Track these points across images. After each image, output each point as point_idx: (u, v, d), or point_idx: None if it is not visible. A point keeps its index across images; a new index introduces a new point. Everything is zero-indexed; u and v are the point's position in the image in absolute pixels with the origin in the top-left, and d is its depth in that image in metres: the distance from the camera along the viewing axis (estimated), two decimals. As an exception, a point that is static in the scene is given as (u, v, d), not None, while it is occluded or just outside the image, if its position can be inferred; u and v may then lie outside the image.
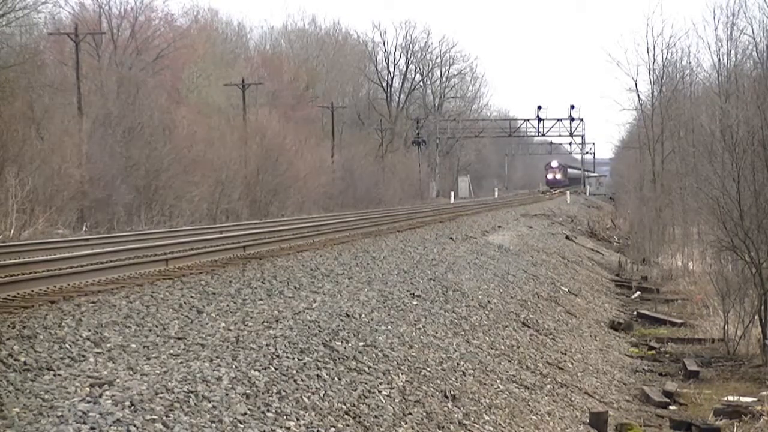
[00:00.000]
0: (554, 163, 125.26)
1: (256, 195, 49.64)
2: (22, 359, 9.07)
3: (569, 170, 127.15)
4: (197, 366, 9.27)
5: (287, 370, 9.88)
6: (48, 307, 11.91)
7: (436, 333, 14.50)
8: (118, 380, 8.54)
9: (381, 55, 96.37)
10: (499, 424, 11.67)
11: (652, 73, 44.89)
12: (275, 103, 67.67)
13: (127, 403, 7.79)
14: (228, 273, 16.62)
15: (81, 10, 56.82)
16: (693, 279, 31.20)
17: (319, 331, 11.91)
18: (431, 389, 11.50)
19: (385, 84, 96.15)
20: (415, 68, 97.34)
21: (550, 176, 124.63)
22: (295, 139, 58.25)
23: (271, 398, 8.95)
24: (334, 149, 69.13)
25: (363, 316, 13.71)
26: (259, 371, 9.52)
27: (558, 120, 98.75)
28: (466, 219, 41.76)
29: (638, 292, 30.73)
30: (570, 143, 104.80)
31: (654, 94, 45.43)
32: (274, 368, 9.80)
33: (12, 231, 28.66)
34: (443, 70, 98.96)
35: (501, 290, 20.86)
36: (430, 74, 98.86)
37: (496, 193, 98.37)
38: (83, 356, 9.47)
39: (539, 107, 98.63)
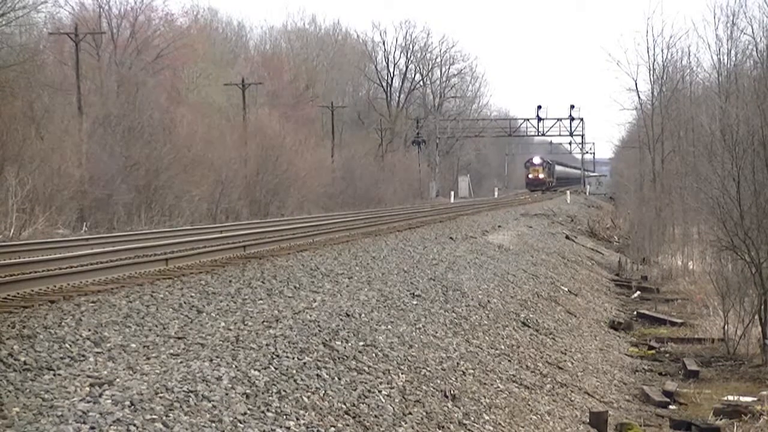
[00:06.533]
0: (536, 160, 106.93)
1: (256, 195, 49.63)
2: (22, 359, 9.06)
3: (557, 167, 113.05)
4: (197, 366, 9.27)
5: (287, 369, 9.88)
6: (48, 307, 11.90)
7: (436, 333, 14.50)
8: (118, 380, 8.54)
9: (381, 54, 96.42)
10: (499, 424, 11.67)
11: (652, 72, 44.95)
12: (275, 103, 67.67)
13: (127, 403, 7.79)
14: (228, 273, 16.62)
15: (81, 10, 56.86)
16: (693, 279, 31.20)
17: (319, 330, 11.91)
18: (431, 389, 11.50)
19: (384, 84, 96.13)
20: (415, 68, 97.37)
21: (531, 176, 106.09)
22: (294, 139, 58.24)
23: (271, 398, 8.95)
24: (334, 149, 69.14)
25: (363, 315, 13.71)
26: (259, 371, 9.52)
27: (558, 120, 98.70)
28: (465, 219, 41.76)
29: (638, 292, 30.73)
30: (570, 143, 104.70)
31: (654, 93, 45.49)
32: (274, 368, 9.80)
33: (12, 231, 28.65)
34: (443, 69, 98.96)
35: (501, 290, 20.86)
36: (430, 74, 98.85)
37: (496, 193, 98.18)
38: (83, 356, 9.46)
39: (539, 107, 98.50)
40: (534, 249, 32.71)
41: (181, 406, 8.03)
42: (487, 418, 11.62)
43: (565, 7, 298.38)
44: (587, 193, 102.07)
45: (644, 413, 15.37)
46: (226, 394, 8.59)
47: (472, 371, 13.25)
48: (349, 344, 11.78)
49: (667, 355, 20.77)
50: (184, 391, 8.38)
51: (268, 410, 8.64)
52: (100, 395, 7.96)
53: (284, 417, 8.65)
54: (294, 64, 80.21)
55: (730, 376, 18.67)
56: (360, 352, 11.64)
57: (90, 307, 11.98)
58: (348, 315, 13.37)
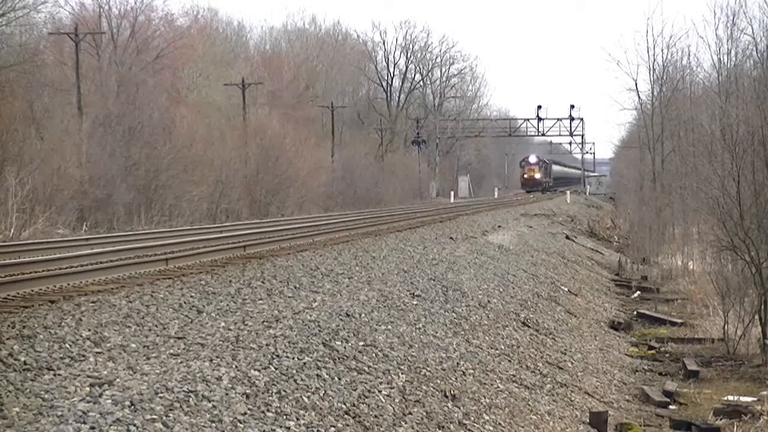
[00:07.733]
0: (532, 159, 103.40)
1: (256, 195, 49.62)
2: (22, 359, 9.06)
3: (554, 167, 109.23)
4: (197, 366, 9.27)
5: (287, 369, 9.88)
6: (48, 307, 11.89)
7: (436, 333, 14.50)
8: (118, 380, 8.54)
9: (381, 54, 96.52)
10: (499, 424, 11.67)
11: (652, 72, 45.04)
12: (275, 103, 67.67)
13: (127, 403, 7.79)
14: (228, 273, 16.61)
15: (81, 10, 56.90)
16: (693, 279, 31.22)
17: (319, 330, 11.91)
18: (431, 389, 11.50)
19: (385, 84, 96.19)
20: (415, 68, 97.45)
21: (526, 175, 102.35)
22: (294, 139, 58.23)
23: (271, 398, 8.96)
24: (334, 149, 69.13)
25: (363, 315, 13.71)
26: (259, 371, 9.52)
27: (558, 120, 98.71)
28: (465, 219, 41.75)
29: (638, 292, 30.74)
30: (570, 143, 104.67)
31: (654, 93, 45.57)
32: (274, 368, 9.81)
33: (12, 231, 28.63)
34: (443, 69, 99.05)
35: (501, 290, 20.87)
36: (430, 74, 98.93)
37: (496, 193, 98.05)
38: (83, 356, 9.46)
39: (539, 107, 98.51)
40: (534, 249, 32.71)
41: (181, 406, 8.03)
42: (487, 418, 11.63)
43: (565, 7, 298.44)
44: (587, 194, 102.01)
45: (644, 413, 15.38)
46: (226, 394, 8.59)
47: (472, 371, 13.25)
48: (349, 344, 11.78)
49: (667, 355, 20.78)
50: (184, 391, 8.38)
51: (268, 410, 8.64)
52: (100, 395, 7.96)
53: (284, 417, 8.66)
54: (294, 64, 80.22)
55: (730, 376, 18.67)
56: (360, 352, 11.64)
57: (90, 307, 11.97)
58: (348, 315, 13.37)
